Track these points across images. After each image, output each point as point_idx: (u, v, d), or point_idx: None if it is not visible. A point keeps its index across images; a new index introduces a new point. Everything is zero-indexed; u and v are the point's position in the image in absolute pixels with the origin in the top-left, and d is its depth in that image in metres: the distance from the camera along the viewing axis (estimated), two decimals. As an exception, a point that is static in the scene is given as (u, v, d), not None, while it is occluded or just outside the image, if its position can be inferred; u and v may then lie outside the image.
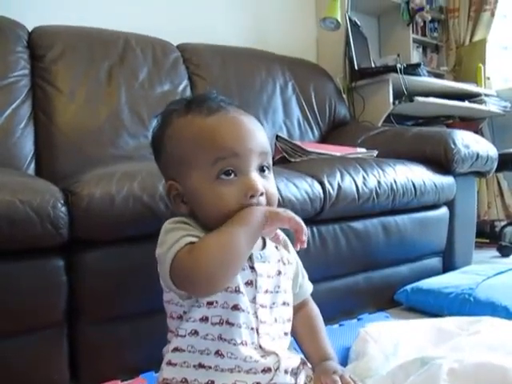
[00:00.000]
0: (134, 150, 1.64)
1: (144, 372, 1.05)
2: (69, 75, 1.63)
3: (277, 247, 0.83)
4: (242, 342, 0.71)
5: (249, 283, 0.74)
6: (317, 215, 1.31)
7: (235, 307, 0.71)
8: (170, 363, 0.73)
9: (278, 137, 1.73)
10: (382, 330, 0.98)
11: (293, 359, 0.77)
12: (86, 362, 1.05)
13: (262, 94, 2.00)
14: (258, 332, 0.73)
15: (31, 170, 1.50)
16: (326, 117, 2.13)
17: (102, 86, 1.67)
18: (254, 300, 0.73)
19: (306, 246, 0.74)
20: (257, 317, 0.73)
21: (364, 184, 1.39)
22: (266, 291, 0.76)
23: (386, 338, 0.94)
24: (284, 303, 0.80)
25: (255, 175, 0.72)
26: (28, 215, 0.89)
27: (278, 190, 1.20)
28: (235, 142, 0.71)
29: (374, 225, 1.45)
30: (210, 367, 0.70)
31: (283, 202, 1.21)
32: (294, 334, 0.85)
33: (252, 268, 0.75)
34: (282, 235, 0.83)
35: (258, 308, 0.74)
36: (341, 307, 1.45)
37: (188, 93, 1.86)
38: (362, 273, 1.48)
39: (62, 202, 0.95)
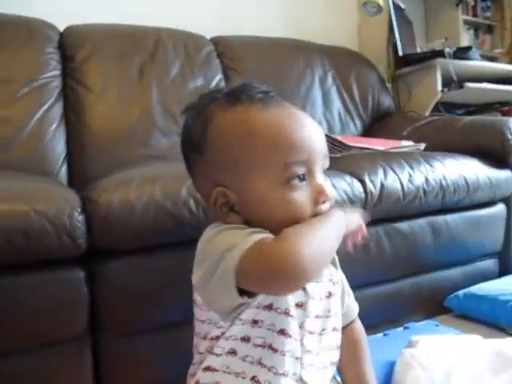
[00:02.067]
0: (166, 149, 1.59)
1: (172, 387, 1.00)
2: (99, 74, 1.60)
3: None
4: (283, 373, 0.62)
5: (299, 305, 0.65)
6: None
7: (282, 332, 0.63)
8: (198, 383, 0.66)
9: (315, 131, 1.63)
10: (431, 355, 0.86)
11: None
12: (110, 376, 1.01)
13: (299, 85, 1.90)
14: (302, 362, 0.65)
15: (63, 172, 1.47)
16: (369, 108, 2.00)
17: (133, 83, 1.63)
18: (302, 325, 0.65)
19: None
20: (303, 344, 0.65)
21: (410, 181, 1.27)
22: (317, 316, 0.67)
23: (436, 365, 0.83)
24: (334, 329, 0.71)
25: (323, 179, 0.66)
26: (43, 226, 0.85)
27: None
28: (306, 145, 0.64)
29: (421, 225, 1.33)
30: None
31: (319, 204, 1.11)
32: None
33: (304, 289, 0.65)
34: None
35: (304, 335, 0.65)
36: (385, 314, 1.34)
37: (222, 87, 1.79)
38: (409, 277, 1.37)
39: (79, 210, 0.90)
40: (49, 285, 0.91)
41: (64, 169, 1.48)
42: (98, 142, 1.52)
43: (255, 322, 0.63)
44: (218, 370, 0.64)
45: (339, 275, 0.77)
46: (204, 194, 0.70)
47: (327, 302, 0.69)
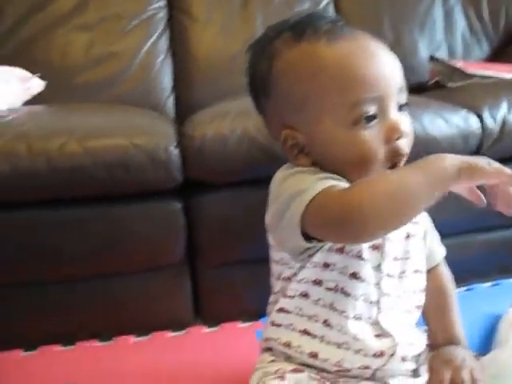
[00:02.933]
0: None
1: (263, 317, 1.03)
2: (203, 3, 1.57)
3: None
4: (355, 316, 0.62)
5: (375, 247, 0.62)
6: (472, 155, 1.08)
7: (354, 275, 0.61)
8: (274, 323, 0.68)
9: (431, 57, 1.46)
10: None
11: (415, 346, 0.66)
12: (207, 302, 1.07)
13: (418, 4, 1.69)
14: (379, 306, 0.63)
15: (170, 103, 1.51)
16: (501, 28, 1.71)
17: (237, 11, 1.58)
18: (378, 268, 0.62)
19: None
20: (380, 288, 0.63)
21: (541, 117, 1.10)
22: (395, 258, 0.64)
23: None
24: (416, 271, 0.68)
25: (397, 115, 0.59)
26: (141, 160, 0.89)
27: (422, 125, 1.02)
28: (378, 80, 0.58)
29: (551, 167, 1.16)
30: (316, 336, 0.63)
31: (426, 141, 1.01)
32: None
33: None
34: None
35: (382, 277, 0.63)
36: (498, 263, 1.24)
37: (331, 10, 1.66)
38: (529, 224, 1.22)
39: (175, 144, 0.92)
40: (149, 215, 0.97)
41: (171, 100, 1.51)
42: (202, 71, 1.53)
43: (327, 265, 0.62)
44: (291, 312, 0.65)
45: (421, 215, 0.71)
46: (274, 135, 0.67)
47: (406, 243, 0.66)
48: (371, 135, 0.58)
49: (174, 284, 1.05)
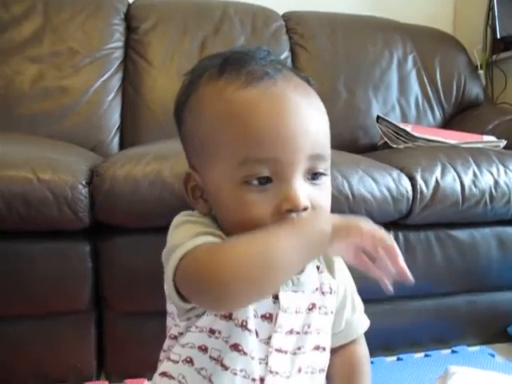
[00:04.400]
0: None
1: (172, 376, 0.95)
2: (160, 47, 1.58)
3: (318, 267, 0.61)
4: None
5: (266, 317, 0.55)
6: (402, 219, 1.06)
7: (235, 347, 0.53)
8: None
9: (378, 118, 1.47)
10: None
11: None
12: (113, 354, 0.99)
13: (374, 68, 1.72)
14: None
15: (115, 142, 1.49)
16: (452, 97, 1.76)
17: (192, 58, 1.57)
18: (268, 341, 0.55)
19: (411, 280, 0.50)
20: (266, 364, 0.55)
21: (474, 183, 1.08)
22: (291, 331, 0.56)
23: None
24: (317, 348, 0.59)
25: (299, 184, 0.51)
26: (44, 195, 0.83)
27: (349, 185, 0.99)
28: (275, 140, 0.50)
29: (484, 236, 1.14)
30: None
31: (354, 201, 0.98)
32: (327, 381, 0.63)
33: (275, 298, 0.55)
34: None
35: (270, 352, 0.55)
36: (432, 333, 1.19)
37: (289, 65, 1.68)
38: (464, 294, 1.18)
39: (84, 183, 0.87)
40: (54, 255, 0.91)
41: (116, 139, 1.49)
42: (151, 114, 1.52)
43: (212, 331, 0.54)
44: (174, 378, 0.57)
45: (338, 284, 0.64)
46: None
47: (308, 315, 0.58)
48: (259, 200, 0.50)
49: (78, 332, 0.96)
